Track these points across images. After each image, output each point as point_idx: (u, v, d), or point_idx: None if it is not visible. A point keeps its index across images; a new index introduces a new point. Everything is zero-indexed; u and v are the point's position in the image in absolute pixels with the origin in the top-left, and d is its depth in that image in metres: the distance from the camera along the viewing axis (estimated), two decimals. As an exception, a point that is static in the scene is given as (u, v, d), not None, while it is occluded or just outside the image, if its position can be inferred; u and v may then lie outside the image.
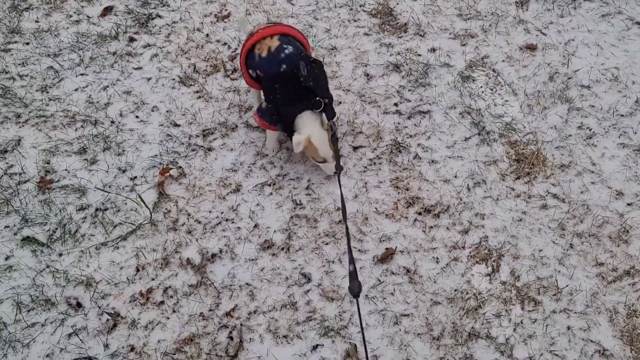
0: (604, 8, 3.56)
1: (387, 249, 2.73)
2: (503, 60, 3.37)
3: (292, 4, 3.66)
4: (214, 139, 3.12)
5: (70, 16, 3.63)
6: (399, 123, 3.15)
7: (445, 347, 2.46)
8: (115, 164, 3.04)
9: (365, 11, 3.62)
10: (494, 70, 3.33)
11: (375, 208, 2.87)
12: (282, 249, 2.73)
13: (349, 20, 3.57)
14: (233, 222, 2.84)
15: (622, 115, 3.12)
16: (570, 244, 2.73)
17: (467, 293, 2.61)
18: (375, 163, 3.02)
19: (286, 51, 2.68)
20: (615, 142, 3.03)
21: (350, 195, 2.91)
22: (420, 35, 3.50)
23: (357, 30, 3.52)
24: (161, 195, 2.92)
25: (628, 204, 2.83)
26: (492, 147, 3.05)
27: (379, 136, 3.10)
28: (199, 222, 2.84)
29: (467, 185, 2.92)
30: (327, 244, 2.77)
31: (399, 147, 3.07)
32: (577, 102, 3.18)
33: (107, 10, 3.62)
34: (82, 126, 3.17)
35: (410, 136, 3.11)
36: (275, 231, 2.80)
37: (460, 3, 3.61)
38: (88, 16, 3.63)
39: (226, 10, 3.64)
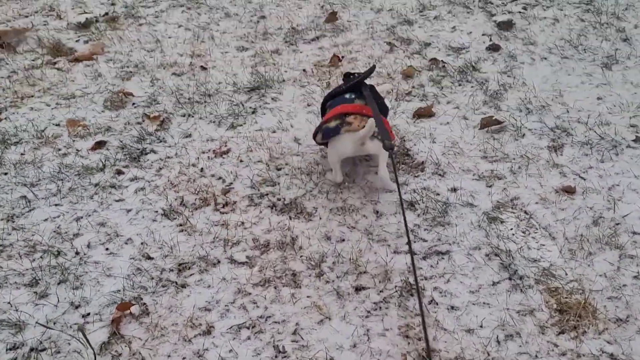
0: (650, 155, 3.13)
1: (389, 411, 2.07)
2: (536, 202, 2.89)
3: (298, 143, 3.33)
4: (190, 275, 2.63)
5: (59, 149, 3.35)
6: (412, 264, 2.62)
7: None
8: (69, 298, 2.54)
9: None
10: (525, 212, 2.84)
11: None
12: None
13: (359, 160, 3.19)
14: (196, 371, 2.24)
15: (688, 265, 2.53)
16: (638, 418, 2.02)
17: None
18: (380, 307, 2.45)
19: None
20: (682, 295, 2.42)
21: (347, 344, 2.31)
22: (440, 174, 3.09)
23: (369, 169, 3.13)
24: (114, 335, 2.37)
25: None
26: (527, 295, 2.47)
27: (387, 277, 2.56)
28: (154, 369, 2.25)
29: (497, 337, 2.30)
30: (312, 403, 2.12)
31: (411, 289, 2.50)
32: (629, 249, 2.62)
33: (99, 145, 3.34)
34: (41, 257, 2.73)
35: (426, 278, 2.56)
36: (248, 385, 2.18)
37: (485, 145, 3.23)
38: (77, 149, 3.35)
39: (226, 146, 3.32)
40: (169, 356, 2.30)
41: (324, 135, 2.89)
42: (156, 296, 2.54)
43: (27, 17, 4.60)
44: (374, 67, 3.08)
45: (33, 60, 4.13)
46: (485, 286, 2.52)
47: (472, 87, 3.70)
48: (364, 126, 2.72)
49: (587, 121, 3.35)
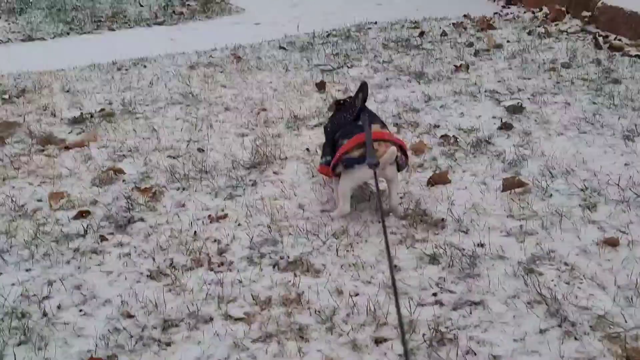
0: (694, 208, 2.80)
1: None
2: (577, 254, 2.54)
3: (303, 209, 3.01)
4: (177, 332, 2.20)
5: (38, 219, 3.02)
6: (440, 315, 2.22)
7: None
8: (29, 358, 2.09)
9: (392, 214, 2.93)
10: (566, 264, 2.47)
11: (409, 415, 1.78)
12: None
13: (371, 221, 2.86)
14: None
15: None
16: None
17: None
18: (407, 360, 2.00)
19: None
20: None
21: (368, 401, 1.85)
22: (463, 231, 2.74)
23: (381, 229, 2.78)
24: (80, 396, 1.91)
25: None
26: (583, 342, 2.04)
27: (412, 328, 2.14)
28: None
29: (557, 386, 1.85)
30: None
31: (442, 339, 2.08)
32: (695, 296, 2.23)
33: (83, 214, 3.02)
34: (1, 319, 2.31)
35: (458, 328, 2.14)
36: None
37: (510, 205, 2.91)
38: (57, 219, 3.02)
39: (223, 212, 3.00)
40: (145, 415, 1.82)
41: (346, 165, 2.76)
42: (135, 354, 2.10)
43: (20, 115, 4.45)
44: (365, 84, 2.97)
45: (21, 149, 3.90)
46: (532, 334, 2.10)
47: (487, 158, 3.45)
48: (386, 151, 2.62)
49: (618, 182, 3.06)
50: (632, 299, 2.25)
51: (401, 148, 2.80)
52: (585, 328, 2.11)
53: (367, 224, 2.84)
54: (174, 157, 3.69)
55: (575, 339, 2.07)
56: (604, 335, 2.07)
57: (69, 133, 4.16)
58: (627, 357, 1.96)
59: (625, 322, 2.14)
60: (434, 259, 2.54)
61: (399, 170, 2.84)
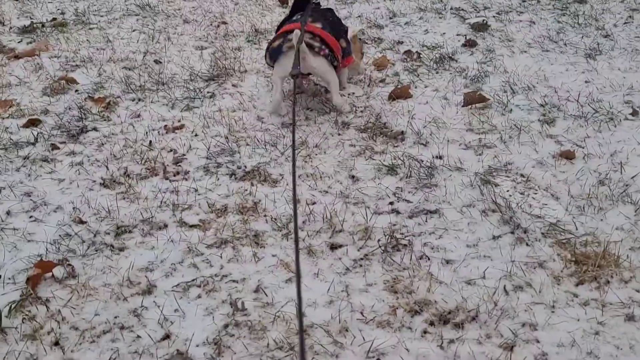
0: (651, 125, 2.83)
1: (378, 361, 1.61)
2: (533, 167, 2.55)
3: (262, 121, 2.95)
4: (131, 238, 2.16)
5: (-16, 128, 2.91)
6: (396, 222, 2.22)
7: None
8: (-25, 263, 2.05)
9: (353, 126, 2.89)
10: (522, 175, 2.48)
11: (362, 314, 1.80)
12: (203, 366, 1.62)
13: (331, 134, 2.82)
14: (131, 331, 1.75)
15: None
16: (692, 366, 1.60)
17: None
18: (361, 265, 2.01)
19: None
20: None
21: (322, 301, 1.87)
22: (422, 144, 2.73)
23: (342, 141, 2.76)
24: (29, 297, 1.88)
25: None
26: (534, 247, 2.07)
27: (367, 235, 2.14)
28: (76, 329, 1.76)
29: (504, 287, 1.88)
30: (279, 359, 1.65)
31: (397, 245, 2.08)
32: (649, 205, 2.27)
33: (33, 122, 2.92)
34: (-55, 225, 2.25)
35: (413, 235, 2.15)
36: (197, 345, 1.70)
37: (471, 119, 2.90)
38: (6, 127, 2.91)
39: (179, 122, 2.93)
40: (97, 314, 1.81)
41: (271, 56, 2.87)
42: (87, 259, 2.07)
43: (-34, 25, 4.24)
44: None
45: (-34, 59, 3.73)
46: (485, 240, 2.12)
47: (450, 74, 3.42)
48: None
49: (577, 98, 3.06)
50: (584, 207, 2.28)
51: (321, 39, 2.80)
52: (537, 235, 2.14)
53: (326, 136, 2.81)
54: (129, 69, 3.57)
55: (527, 244, 2.10)
56: (555, 241, 2.11)
57: (18, 42, 3.99)
58: (576, 261, 2.00)
59: (576, 229, 2.17)
60: (392, 170, 2.53)
61: (336, 69, 2.88)
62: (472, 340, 1.72)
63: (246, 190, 2.42)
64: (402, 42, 3.88)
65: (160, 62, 3.63)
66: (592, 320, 1.78)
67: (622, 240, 2.09)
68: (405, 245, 2.10)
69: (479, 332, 1.75)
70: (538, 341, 1.72)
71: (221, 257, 2.06)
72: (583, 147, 2.68)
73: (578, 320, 1.78)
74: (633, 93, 3.11)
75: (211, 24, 4.20)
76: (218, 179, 2.50)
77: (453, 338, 1.73)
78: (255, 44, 3.90)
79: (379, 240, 2.12)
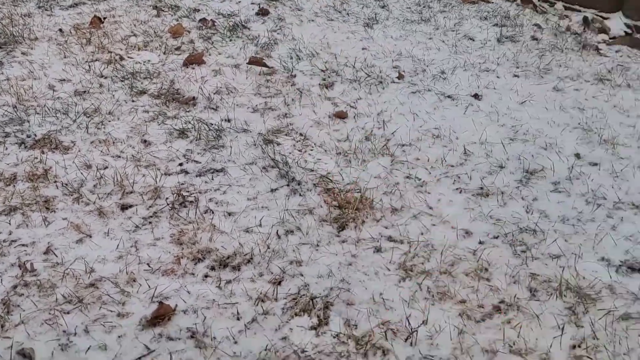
0: (413, 87, 3.25)
1: (160, 303, 1.81)
2: (311, 126, 2.84)
3: (52, 89, 2.97)
4: None
5: None
6: (184, 182, 2.41)
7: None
8: None
9: (147, 94, 3.01)
10: (301, 134, 2.77)
11: (148, 265, 1.98)
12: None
13: (125, 101, 2.92)
14: None
15: (452, 165, 2.62)
16: (419, 284, 1.98)
17: (283, 351, 1.70)
18: (150, 222, 2.19)
19: None
20: (451, 189, 2.48)
21: (111, 257, 2.02)
22: (213, 109, 2.93)
23: (135, 107, 2.87)
24: None
25: (480, 242, 2.19)
26: (306, 197, 2.37)
27: (156, 194, 2.31)
28: None
29: (277, 232, 2.16)
30: (68, 312, 1.79)
31: (184, 202, 2.28)
32: (400, 157, 2.66)
33: None
34: None
35: (199, 192, 2.36)
36: (-17, 307, 1.79)
37: (259, 84, 3.14)
38: None
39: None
40: None
41: None
42: None
43: None
44: None
45: None
46: (264, 193, 2.39)
47: (243, 42, 3.63)
48: None
49: (354, 64, 3.42)
50: (350, 161, 2.62)
51: None
52: (309, 186, 2.44)
53: (120, 103, 2.91)
54: None
55: (300, 195, 2.39)
56: (323, 190, 2.42)
57: None
58: (339, 206, 2.32)
59: (342, 179, 2.50)
60: (183, 134, 2.71)
61: None
62: (247, 279, 1.98)
63: (36, 158, 2.47)
64: (198, 10, 4.02)
65: (-59, 29, 3.47)
66: (347, 254, 2.11)
67: (377, 187, 2.45)
68: (191, 201, 2.30)
69: (253, 271, 2.01)
70: (302, 275, 2.01)
71: (10, 223, 2.13)
72: (355, 108, 3.03)
73: (336, 255, 2.10)
74: (400, 59, 3.53)
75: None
76: (6, 149, 2.53)
77: (230, 279, 1.98)
78: (46, 9, 3.84)
79: (167, 198, 2.30)
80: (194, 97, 2.99)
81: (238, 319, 1.82)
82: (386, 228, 2.25)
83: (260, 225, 2.20)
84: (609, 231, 2.28)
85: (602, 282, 2.05)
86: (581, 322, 1.89)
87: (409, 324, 1.83)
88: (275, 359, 1.69)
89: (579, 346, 1.81)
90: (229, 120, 2.84)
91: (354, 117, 2.95)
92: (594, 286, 2.03)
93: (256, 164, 2.55)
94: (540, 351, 1.79)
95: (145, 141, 2.65)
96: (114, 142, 2.63)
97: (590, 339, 1.83)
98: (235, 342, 1.75)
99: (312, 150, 2.70)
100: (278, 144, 2.71)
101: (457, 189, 2.49)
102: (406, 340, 1.78)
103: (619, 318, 1.91)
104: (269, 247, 2.10)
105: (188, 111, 2.90)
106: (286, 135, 2.78)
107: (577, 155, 2.72)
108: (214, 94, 3.05)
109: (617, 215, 2.37)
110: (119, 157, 2.55)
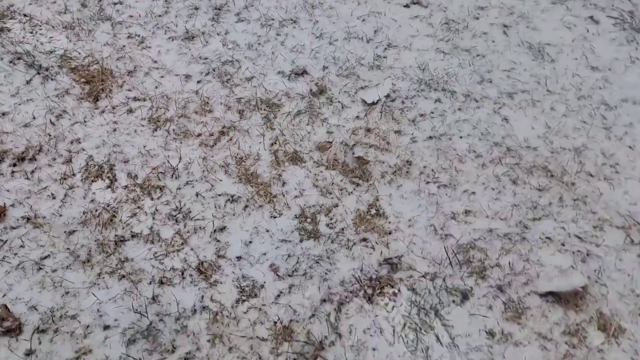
0: None
1: (-5, 207, 2.52)
2: (30, 4, 3.28)
3: None
4: None
5: None
6: (-52, 94, 2.87)
7: (98, 263, 2.41)
8: None
9: None
10: (25, 15, 3.23)
11: (-36, 179, 2.60)
12: None
13: None
14: None
15: (160, 15, 3.33)
16: (167, 130, 2.87)
17: (96, 210, 2.57)
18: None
19: None
20: (164, 39, 3.23)
21: None
22: None
23: None
24: None
25: (198, 82, 3.06)
26: (58, 80, 2.99)
27: None
28: None
29: (50, 120, 2.83)
30: None
31: (-40, 115, 2.80)
32: (118, 18, 3.28)
33: None
34: None
35: (-32, 101, 2.86)
36: None
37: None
38: None
39: None
40: None
41: None
42: None
43: None
44: None
45: None
46: (22, 86, 2.95)
47: None
48: None
49: None
50: (79, 34, 3.21)
51: None
52: (56, 69, 3.04)
53: None
54: None
55: (52, 79, 3.01)
56: (69, 70, 3.05)
57: None
58: (87, 81, 3.01)
59: (80, 54, 3.13)
60: None
61: None
62: (45, 166, 2.71)
63: None
64: None
65: None
66: (110, 122, 2.89)
67: (110, 55, 3.14)
68: (-34, 112, 2.83)
69: (48, 158, 2.73)
70: (84, 150, 2.79)
71: None
72: (60, -28, 3.47)
73: (102, 125, 2.88)
74: None
75: None
76: None
77: (33, 169, 2.69)
78: None
79: (-55, 117, 2.79)
80: None
81: (54, 198, 2.61)
82: (129, 90, 3.02)
83: (34, 118, 2.85)
84: (280, 47, 3.29)
85: (281, 90, 3.11)
86: (273, 126, 2.97)
87: (170, 164, 2.77)
88: (94, 219, 2.56)
89: (274, 144, 2.91)
90: (-47, 16, 3.17)
91: (67, -16, 3.42)
92: (277, 95, 3.09)
93: (2, 59, 3.05)
94: (254, 154, 2.87)
95: None
96: None
97: (281, 136, 2.94)
98: (61, 215, 2.57)
99: (41, 28, 3.21)
100: (9, 30, 3.17)
101: (169, 37, 3.27)
102: (172, 176, 2.74)
103: (295, 115, 3.02)
104: (50, 135, 2.80)
105: None
106: (11, 18, 3.22)
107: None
108: None
109: (283, 32, 3.37)
110: None
